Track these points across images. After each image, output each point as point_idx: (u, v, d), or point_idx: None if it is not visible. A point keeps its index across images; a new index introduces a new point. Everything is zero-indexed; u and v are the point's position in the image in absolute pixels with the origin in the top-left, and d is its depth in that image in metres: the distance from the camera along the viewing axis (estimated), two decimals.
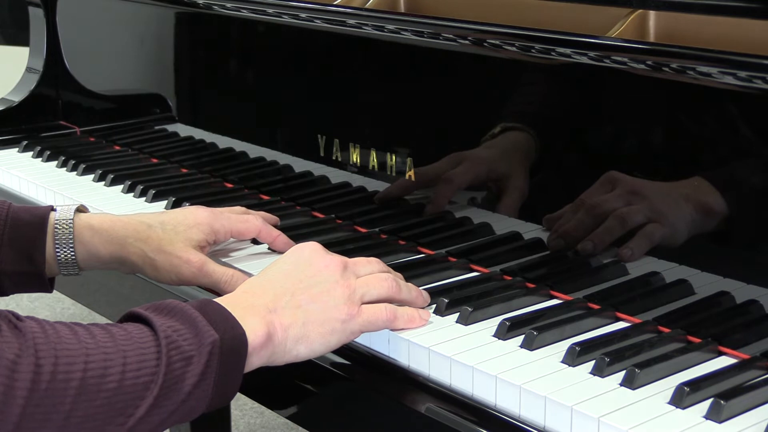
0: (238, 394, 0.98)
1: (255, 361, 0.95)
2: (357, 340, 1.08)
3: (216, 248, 1.27)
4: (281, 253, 1.18)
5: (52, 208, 1.20)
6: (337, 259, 1.05)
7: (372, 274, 1.07)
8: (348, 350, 1.08)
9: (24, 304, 3.15)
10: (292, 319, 0.98)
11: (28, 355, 0.81)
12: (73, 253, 1.18)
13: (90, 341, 0.85)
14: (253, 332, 0.94)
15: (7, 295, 1.18)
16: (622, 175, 1.10)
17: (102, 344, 0.85)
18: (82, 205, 1.23)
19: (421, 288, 1.13)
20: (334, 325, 1.01)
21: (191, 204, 1.42)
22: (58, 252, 1.18)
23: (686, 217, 1.06)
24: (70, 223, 1.18)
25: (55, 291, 1.26)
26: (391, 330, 1.06)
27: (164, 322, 0.90)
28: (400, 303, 1.07)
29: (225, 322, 0.92)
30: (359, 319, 1.02)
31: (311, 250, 1.06)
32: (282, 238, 1.27)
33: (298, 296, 1.00)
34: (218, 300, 0.98)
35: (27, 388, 0.80)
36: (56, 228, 1.18)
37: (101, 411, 0.83)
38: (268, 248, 1.29)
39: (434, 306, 1.11)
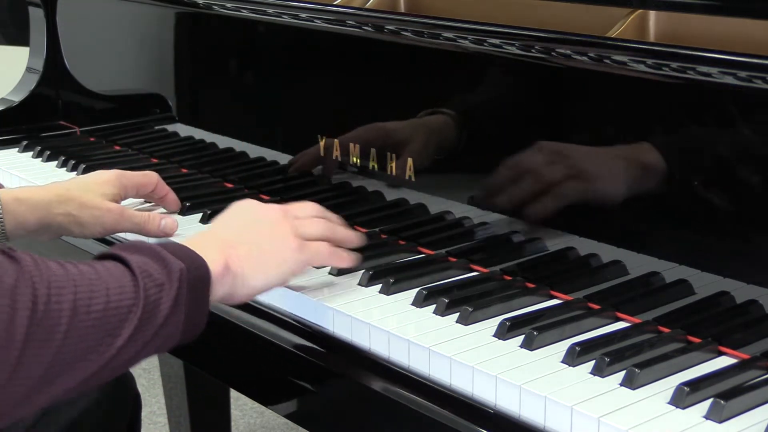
0: (238, 394, 0.99)
1: (218, 289, 1.02)
2: (356, 340, 1.08)
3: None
4: (172, 211, 1.43)
5: None
6: (275, 205, 1.16)
7: (308, 217, 1.16)
8: (347, 350, 1.08)
9: None
10: (246, 251, 1.06)
11: (25, 279, 0.87)
12: (1, 224, 1.27)
13: (75, 272, 0.91)
14: (213, 262, 1.01)
15: None
16: (549, 142, 1.17)
17: (86, 274, 0.92)
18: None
19: (420, 288, 1.14)
20: (285, 254, 1.09)
21: (191, 204, 1.45)
22: None
23: (621, 175, 1.12)
24: None
25: None
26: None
27: (134, 257, 0.96)
28: (339, 241, 1.18)
29: (186, 254, 0.99)
30: (306, 251, 1.11)
31: (250, 201, 1.16)
32: (171, 195, 1.44)
33: (249, 233, 1.09)
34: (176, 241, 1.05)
35: (29, 308, 0.85)
36: None
37: (92, 331, 0.89)
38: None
39: (434, 305, 1.11)
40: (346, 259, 1.17)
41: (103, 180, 1.37)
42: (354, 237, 1.20)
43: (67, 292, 0.88)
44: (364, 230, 1.36)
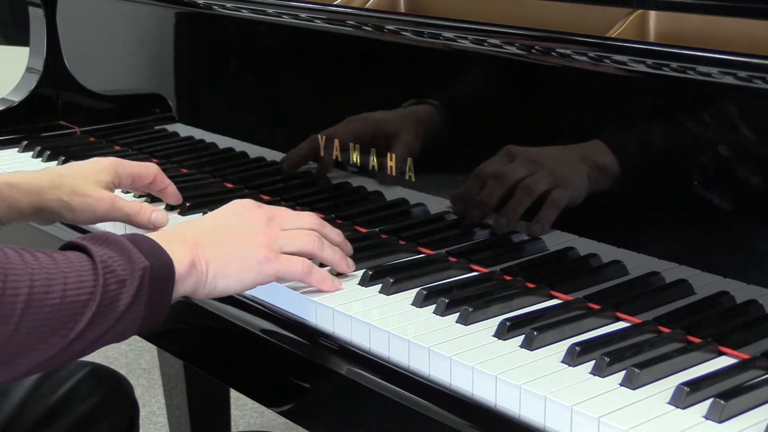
0: (238, 394, 0.99)
1: (181, 288, 1.03)
2: (356, 340, 1.08)
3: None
4: (172, 205, 1.42)
5: None
6: (264, 212, 1.13)
7: (297, 229, 1.13)
8: (347, 350, 1.08)
9: None
10: (212, 254, 1.06)
11: None
12: None
13: (34, 263, 0.93)
14: (179, 260, 1.02)
15: None
16: (518, 147, 1.18)
17: (45, 266, 0.94)
18: None
19: (420, 288, 1.13)
20: (250, 263, 1.08)
21: (191, 204, 1.45)
22: None
23: (584, 177, 1.12)
24: None
25: None
26: (310, 290, 1.13)
27: (100, 250, 0.98)
28: (324, 261, 1.16)
29: (154, 250, 1.00)
30: (275, 264, 1.09)
31: (243, 203, 1.15)
32: (172, 188, 1.42)
33: (220, 236, 1.09)
34: (147, 234, 1.05)
35: None
36: None
37: (46, 323, 0.92)
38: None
39: (434, 305, 1.11)
40: (326, 282, 1.14)
41: (100, 167, 1.36)
42: (341, 261, 1.17)
43: (23, 283, 0.90)
44: (364, 230, 1.37)
